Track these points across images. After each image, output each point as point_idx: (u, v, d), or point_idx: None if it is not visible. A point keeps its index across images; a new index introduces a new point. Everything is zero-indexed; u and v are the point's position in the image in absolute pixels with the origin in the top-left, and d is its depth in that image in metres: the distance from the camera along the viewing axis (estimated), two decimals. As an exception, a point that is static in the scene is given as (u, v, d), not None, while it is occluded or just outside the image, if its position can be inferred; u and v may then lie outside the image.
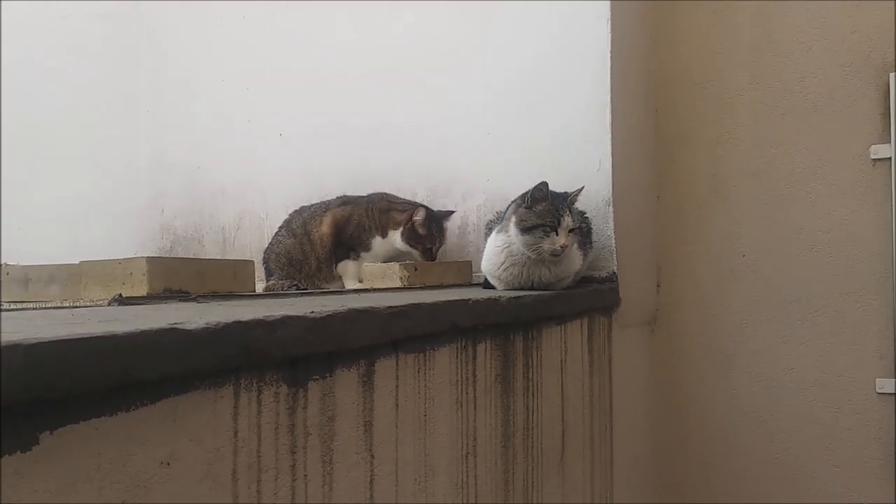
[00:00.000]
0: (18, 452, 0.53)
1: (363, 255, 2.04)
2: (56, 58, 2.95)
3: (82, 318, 0.74)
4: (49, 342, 0.52)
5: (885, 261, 2.00)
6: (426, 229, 1.96)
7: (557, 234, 1.46)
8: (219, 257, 2.54)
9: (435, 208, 2.07)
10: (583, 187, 1.61)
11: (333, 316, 0.82)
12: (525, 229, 1.48)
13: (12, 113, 3.02)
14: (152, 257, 1.05)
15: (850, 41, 2.08)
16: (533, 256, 1.49)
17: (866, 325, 2.03)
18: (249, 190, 2.51)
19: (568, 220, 1.46)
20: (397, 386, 0.98)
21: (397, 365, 0.98)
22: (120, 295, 0.92)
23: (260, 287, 2.03)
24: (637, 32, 2.19)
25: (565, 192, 1.56)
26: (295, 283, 1.95)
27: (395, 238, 2.00)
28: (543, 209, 1.48)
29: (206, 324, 0.66)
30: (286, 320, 0.76)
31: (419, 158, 2.16)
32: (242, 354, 0.71)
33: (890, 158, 1.99)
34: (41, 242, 2.83)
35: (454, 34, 2.14)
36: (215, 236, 2.60)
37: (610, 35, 1.90)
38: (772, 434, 2.15)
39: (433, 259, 1.99)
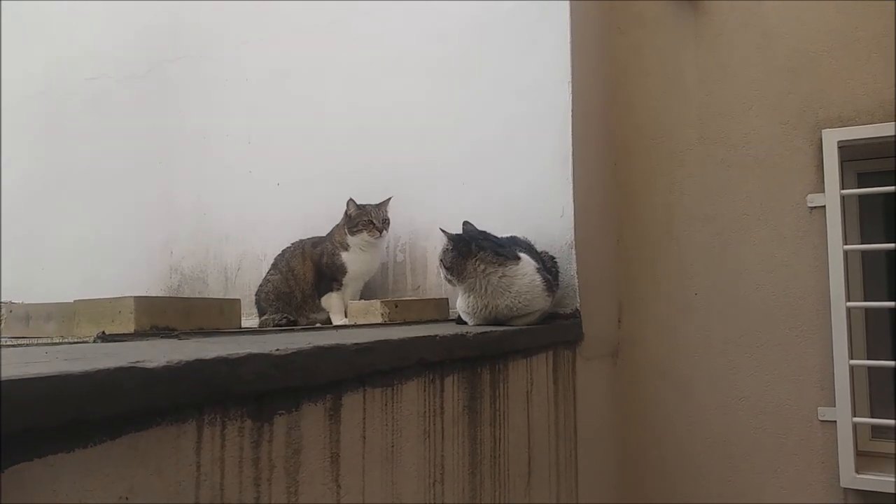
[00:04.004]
0: (-33, 491, 0.48)
1: (344, 280, 2.00)
2: (81, 115, 2.94)
3: (53, 355, 0.70)
4: (-1, 383, 0.48)
5: (822, 298, 1.98)
6: (357, 208, 1.97)
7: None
8: (221, 295, 2.49)
9: (417, 251, 2.07)
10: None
11: (298, 353, 0.78)
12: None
13: (43, 164, 3.01)
14: (140, 297, 1.01)
15: (786, 102, 2.09)
16: None
17: (807, 357, 2.00)
18: (249, 233, 2.48)
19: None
20: (364, 419, 0.94)
21: (364, 399, 0.94)
22: (103, 332, 0.88)
23: (253, 323, 1.99)
24: (597, 95, 2.19)
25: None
26: (285, 315, 1.90)
27: (350, 239, 1.99)
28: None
29: (168, 362, 0.62)
30: (250, 358, 0.72)
31: (402, 205, 2.13)
32: (204, 391, 0.67)
33: (824, 206, 1.99)
34: (65, 281, 2.78)
35: (434, 96, 2.14)
36: (218, 276, 2.55)
37: (571, 98, 1.91)
38: (726, 458, 2.09)
39: (380, 232, 1.98)
